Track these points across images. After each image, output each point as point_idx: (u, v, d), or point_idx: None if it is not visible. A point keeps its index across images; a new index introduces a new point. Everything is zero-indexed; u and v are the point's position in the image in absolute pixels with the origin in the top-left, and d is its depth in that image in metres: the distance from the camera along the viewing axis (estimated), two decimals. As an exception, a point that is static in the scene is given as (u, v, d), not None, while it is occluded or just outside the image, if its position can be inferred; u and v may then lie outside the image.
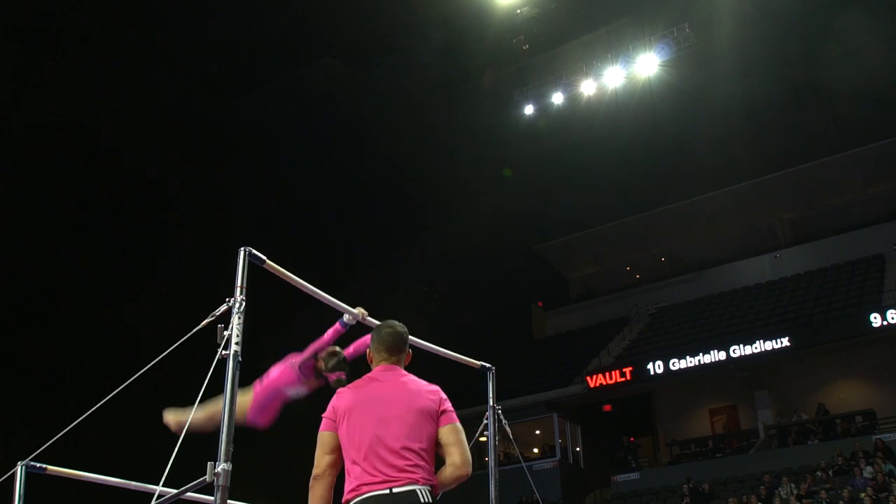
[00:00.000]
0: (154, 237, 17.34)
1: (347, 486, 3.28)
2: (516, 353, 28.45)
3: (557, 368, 26.15)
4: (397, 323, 3.71)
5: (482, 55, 22.91)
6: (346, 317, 4.94)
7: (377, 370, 3.58)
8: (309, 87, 20.68)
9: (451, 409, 3.51)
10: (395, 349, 3.61)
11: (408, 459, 3.26)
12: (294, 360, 5.19)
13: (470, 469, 3.37)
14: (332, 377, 4.98)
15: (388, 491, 3.19)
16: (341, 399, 3.45)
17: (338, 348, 5.09)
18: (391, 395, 3.42)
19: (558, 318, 31.14)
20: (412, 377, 3.58)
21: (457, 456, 3.37)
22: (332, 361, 5.06)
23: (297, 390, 5.22)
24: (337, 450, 3.36)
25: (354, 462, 3.28)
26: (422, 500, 3.21)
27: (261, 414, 5.20)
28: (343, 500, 3.29)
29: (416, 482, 3.23)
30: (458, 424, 3.47)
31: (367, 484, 3.21)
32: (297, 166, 20.80)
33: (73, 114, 15.96)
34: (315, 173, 21.01)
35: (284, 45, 19.67)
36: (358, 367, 5.01)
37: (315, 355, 5.11)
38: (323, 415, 3.46)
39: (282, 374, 5.17)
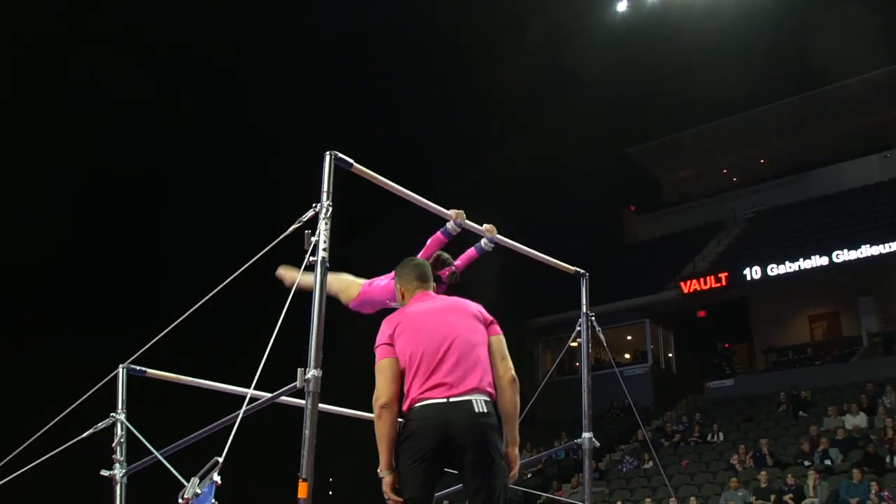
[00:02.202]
0: (243, 140, 17.45)
1: (407, 397, 3.35)
2: (609, 259, 28.07)
3: (650, 274, 25.73)
4: (418, 258, 3.89)
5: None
6: (449, 225, 4.83)
7: (416, 297, 3.65)
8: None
9: (495, 320, 3.61)
10: (425, 277, 3.72)
11: (464, 370, 3.33)
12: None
13: (516, 379, 3.50)
14: (445, 273, 4.86)
15: (445, 400, 3.27)
16: (391, 323, 3.48)
17: (443, 253, 4.93)
18: (440, 312, 3.51)
19: (651, 222, 30.48)
20: (451, 296, 3.70)
21: (506, 369, 3.48)
22: (440, 265, 4.91)
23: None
24: (399, 377, 3.39)
25: (414, 376, 3.34)
26: (475, 410, 3.28)
27: (360, 308, 5.24)
28: (403, 409, 3.36)
29: (472, 392, 3.30)
30: (503, 336, 3.57)
31: (426, 391, 3.29)
32: (379, 67, 20.54)
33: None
34: (397, 74, 20.73)
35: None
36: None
37: None
38: (377, 344, 3.47)
39: (386, 287, 5.06)
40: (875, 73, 25.72)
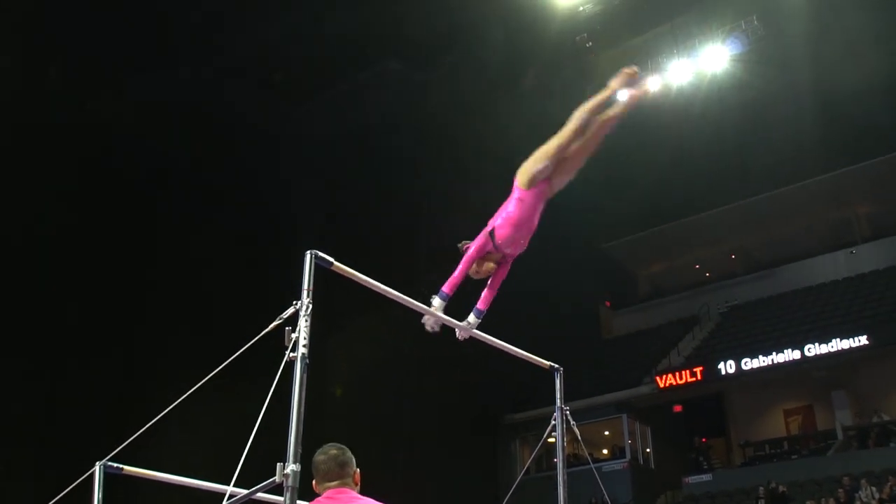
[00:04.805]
0: (224, 242, 17.57)
1: None
2: (585, 354, 28.18)
3: (626, 369, 25.83)
4: (332, 446, 3.46)
5: (544, 54, 22.67)
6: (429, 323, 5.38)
7: (327, 495, 3.33)
8: (371, 91, 20.77)
9: None
10: (331, 475, 3.35)
11: None
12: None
13: None
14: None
15: None
16: None
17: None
18: None
19: (627, 317, 30.74)
20: (364, 500, 3.32)
21: None
22: None
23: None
24: None
25: None
26: None
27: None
28: None
29: None
30: None
31: None
32: (359, 170, 20.92)
33: (130, 120, 16.19)
34: (377, 177, 21.11)
35: (346, 50, 19.77)
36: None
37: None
38: None
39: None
40: (839, 173, 26.54)
